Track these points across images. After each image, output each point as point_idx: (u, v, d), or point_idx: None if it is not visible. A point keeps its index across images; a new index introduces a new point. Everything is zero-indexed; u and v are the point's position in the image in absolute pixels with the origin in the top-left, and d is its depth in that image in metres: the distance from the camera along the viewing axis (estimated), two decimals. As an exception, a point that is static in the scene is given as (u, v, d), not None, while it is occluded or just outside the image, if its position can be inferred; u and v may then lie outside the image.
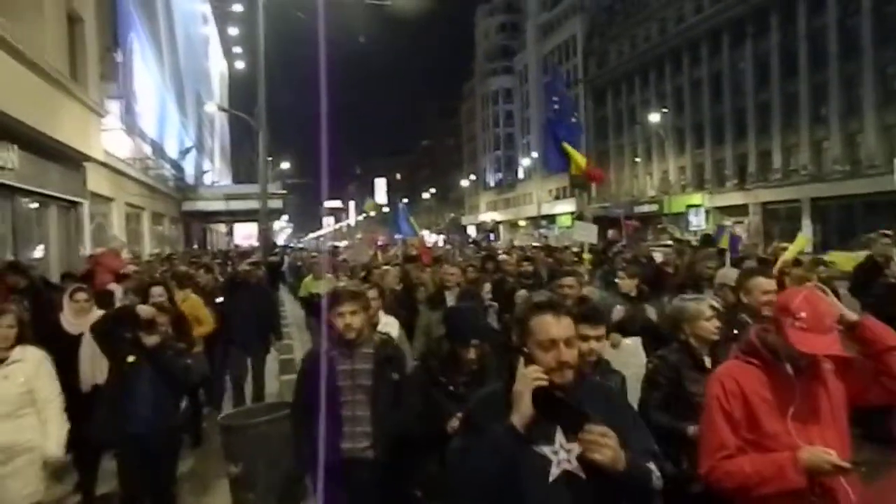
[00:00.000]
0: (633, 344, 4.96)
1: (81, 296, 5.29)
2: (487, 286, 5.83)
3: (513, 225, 75.64)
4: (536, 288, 6.50)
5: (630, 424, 2.09)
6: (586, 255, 8.44)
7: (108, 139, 15.76)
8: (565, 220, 59.05)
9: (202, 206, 30.98)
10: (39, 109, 10.30)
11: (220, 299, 8.08)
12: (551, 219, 65.16)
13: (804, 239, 9.72)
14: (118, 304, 6.40)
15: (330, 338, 3.57)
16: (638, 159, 54.59)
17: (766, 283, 3.86)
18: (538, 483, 1.97)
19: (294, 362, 9.63)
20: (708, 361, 3.30)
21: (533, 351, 2.04)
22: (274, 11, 18.96)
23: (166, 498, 4.57)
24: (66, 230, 13.64)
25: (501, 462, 1.94)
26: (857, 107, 35.09)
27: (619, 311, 5.40)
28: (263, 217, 19.27)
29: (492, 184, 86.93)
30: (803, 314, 2.22)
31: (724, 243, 8.91)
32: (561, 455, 1.99)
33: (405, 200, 62.59)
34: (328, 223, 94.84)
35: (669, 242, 11.85)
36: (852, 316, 2.41)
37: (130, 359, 4.23)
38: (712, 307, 3.40)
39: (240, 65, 41.99)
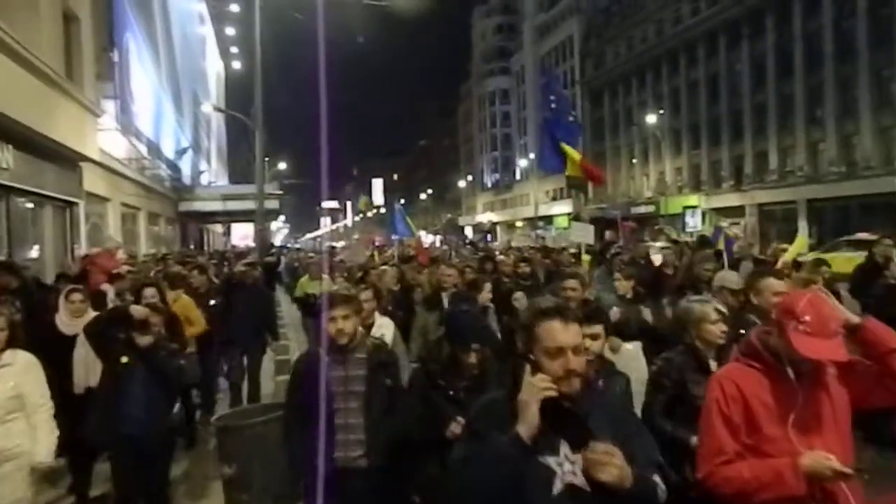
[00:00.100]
0: (633, 349, 4.93)
1: (77, 296, 5.26)
2: (488, 286, 5.79)
3: (510, 226, 75.64)
4: (534, 290, 6.48)
5: (635, 436, 2.04)
6: (585, 257, 8.42)
7: (104, 139, 15.71)
8: (562, 221, 59.09)
9: (199, 206, 30.92)
10: (35, 109, 10.26)
11: (213, 301, 8.05)
12: (548, 220, 65.18)
13: (803, 240, 9.72)
14: (110, 304, 6.37)
15: (321, 343, 3.51)
16: (634, 160, 54.64)
17: (776, 284, 3.82)
18: (542, 495, 1.91)
19: (290, 363, 9.58)
20: (713, 365, 3.25)
21: (539, 358, 1.98)
22: (271, 12, 18.95)
23: (160, 499, 4.55)
24: (61, 230, 13.59)
25: (506, 472, 1.88)
26: (852, 109, 35.18)
27: (614, 313, 5.38)
28: (260, 217, 19.25)
29: (489, 184, 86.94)
30: (807, 318, 2.16)
31: (721, 245, 8.89)
32: (566, 467, 1.93)
33: (402, 201, 62.57)
34: (325, 224, 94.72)
35: (667, 244, 11.82)
36: (854, 318, 2.37)
37: (124, 360, 4.21)
38: (718, 311, 3.34)
39: (236, 65, 42.03)
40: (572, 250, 11.19)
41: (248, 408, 6.35)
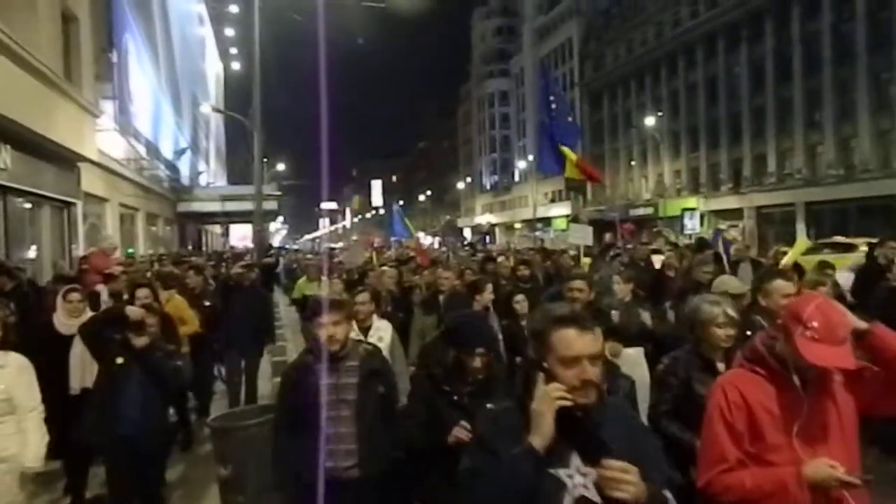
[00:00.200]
0: (635, 354, 4.90)
1: (75, 296, 5.25)
2: (489, 287, 5.75)
3: (508, 227, 75.65)
4: (534, 292, 6.45)
5: (648, 450, 1.99)
6: (586, 259, 8.40)
7: (103, 139, 15.67)
8: (560, 223, 59.08)
9: (197, 207, 30.86)
10: (33, 109, 10.23)
11: (207, 302, 8.01)
12: (547, 221, 65.21)
13: (804, 242, 9.71)
14: (103, 305, 6.33)
15: (313, 350, 3.40)
16: (633, 163, 54.68)
17: (785, 286, 3.75)
18: None
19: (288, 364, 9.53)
20: (721, 366, 3.20)
21: (553, 367, 1.90)
22: (270, 13, 18.94)
23: (155, 501, 4.52)
24: (59, 231, 13.55)
25: (520, 486, 1.81)
26: (851, 112, 35.25)
27: (613, 316, 5.35)
28: (258, 218, 19.22)
29: (487, 186, 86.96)
30: (815, 324, 2.10)
31: (720, 248, 8.87)
32: (577, 480, 1.86)
33: (401, 202, 62.46)
34: (324, 225, 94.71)
35: (665, 247, 11.80)
36: (862, 324, 2.29)
37: (119, 360, 4.18)
38: (727, 314, 3.28)
39: (236, 66, 42.03)
40: (572, 252, 11.15)
41: (243, 409, 6.30)
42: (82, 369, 5.00)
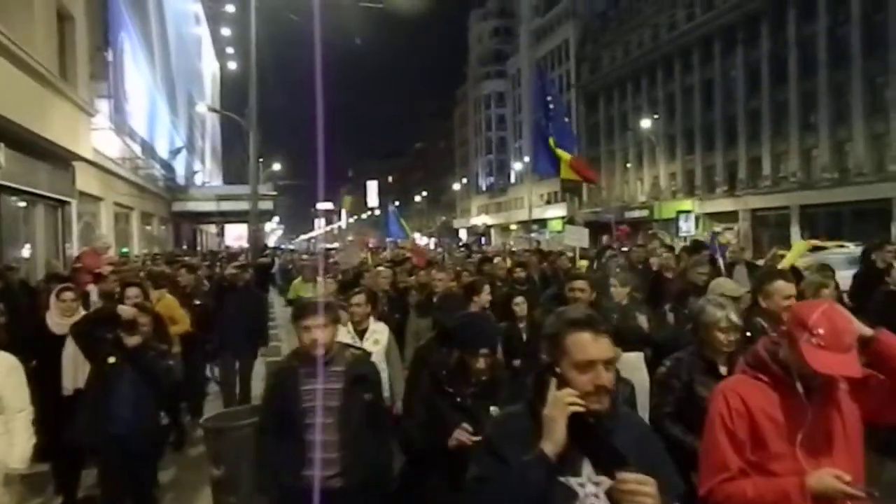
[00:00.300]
0: (635, 358, 4.86)
1: (69, 295, 5.23)
2: (487, 288, 5.70)
3: (504, 229, 75.69)
4: (531, 294, 6.41)
5: (659, 459, 1.95)
6: (583, 262, 8.37)
7: (98, 138, 15.61)
8: (556, 225, 59.14)
9: (192, 206, 30.78)
10: (28, 107, 10.17)
11: (198, 301, 7.95)
12: (542, 223, 65.28)
13: (802, 245, 9.70)
14: (92, 305, 6.29)
15: (298, 354, 3.31)
16: (629, 165, 54.78)
17: (786, 287, 3.71)
18: None
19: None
20: (723, 369, 3.16)
21: (567, 372, 1.86)
22: (266, 13, 18.87)
23: (148, 501, 4.51)
24: (53, 230, 13.48)
25: (531, 495, 1.76)
26: (846, 115, 35.37)
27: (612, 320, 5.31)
28: (254, 218, 19.12)
29: (483, 187, 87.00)
30: (821, 330, 2.04)
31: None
32: (588, 489, 1.81)
33: (396, 203, 62.45)
34: (320, 225, 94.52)
35: (661, 249, 11.76)
36: (868, 331, 2.23)
37: (111, 360, 4.16)
38: (730, 320, 3.24)
39: (232, 66, 41.89)
40: (569, 254, 11.12)
41: (237, 409, 6.25)
42: (75, 369, 4.95)
